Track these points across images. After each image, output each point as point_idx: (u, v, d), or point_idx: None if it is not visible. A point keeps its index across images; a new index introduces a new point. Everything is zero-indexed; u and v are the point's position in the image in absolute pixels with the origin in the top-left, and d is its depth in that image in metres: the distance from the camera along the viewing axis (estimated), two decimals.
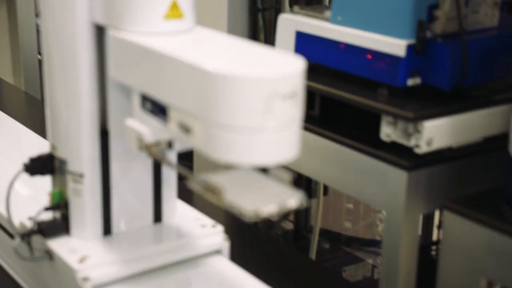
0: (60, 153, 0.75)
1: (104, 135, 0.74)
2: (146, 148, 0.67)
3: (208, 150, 0.60)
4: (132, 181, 0.77)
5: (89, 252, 0.74)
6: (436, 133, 1.08)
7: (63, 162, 0.75)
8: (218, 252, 0.79)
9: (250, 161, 0.59)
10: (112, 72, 0.70)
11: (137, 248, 0.75)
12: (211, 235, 0.79)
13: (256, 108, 0.57)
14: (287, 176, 0.63)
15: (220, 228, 0.80)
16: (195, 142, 0.61)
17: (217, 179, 0.62)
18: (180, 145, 0.68)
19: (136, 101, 0.68)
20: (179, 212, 0.82)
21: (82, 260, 0.73)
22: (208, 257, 0.79)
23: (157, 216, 0.80)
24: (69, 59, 0.72)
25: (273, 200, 0.60)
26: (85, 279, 0.71)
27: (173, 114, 0.64)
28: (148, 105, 0.67)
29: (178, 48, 0.64)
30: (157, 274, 0.75)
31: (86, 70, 0.72)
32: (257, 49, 0.63)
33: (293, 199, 0.61)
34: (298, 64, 0.60)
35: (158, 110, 0.66)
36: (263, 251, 1.01)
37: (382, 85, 1.14)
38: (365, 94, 1.15)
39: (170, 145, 0.68)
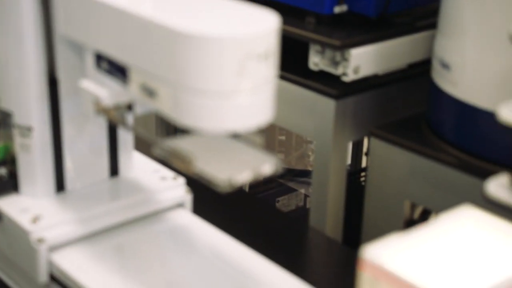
0: (4, 104, 0.71)
1: (52, 84, 0.69)
2: (104, 111, 0.62)
3: (176, 115, 0.56)
4: (85, 133, 0.73)
5: (42, 211, 0.70)
6: (363, 60, 1.08)
7: (7, 115, 0.70)
8: (180, 205, 0.77)
9: (222, 127, 0.56)
10: (61, 27, 0.65)
11: (94, 205, 0.72)
12: (172, 188, 0.76)
13: (228, 71, 0.53)
14: (259, 139, 0.60)
15: (181, 180, 0.77)
16: (160, 106, 0.57)
17: (185, 145, 0.58)
18: (141, 109, 0.64)
19: (90, 60, 0.64)
20: (136, 164, 0.78)
21: (35, 220, 0.69)
22: (170, 211, 0.76)
23: (114, 170, 0.76)
24: (8, 8, 0.66)
25: (246, 167, 0.57)
26: (40, 240, 0.68)
27: (134, 76, 0.59)
28: (105, 64, 0.63)
29: (137, 2, 0.59)
30: (117, 232, 0.73)
31: (29, 24, 0.66)
32: (225, 3, 0.58)
33: (268, 165, 0.57)
34: (272, 21, 0.55)
35: (116, 70, 0.61)
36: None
37: (310, 13, 1.13)
38: (292, 23, 1.13)
39: (130, 108, 0.64)
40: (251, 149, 0.60)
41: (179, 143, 0.59)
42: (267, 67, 0.55)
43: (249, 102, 0.55)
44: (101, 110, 0.63)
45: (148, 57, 0.57)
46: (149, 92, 0.58)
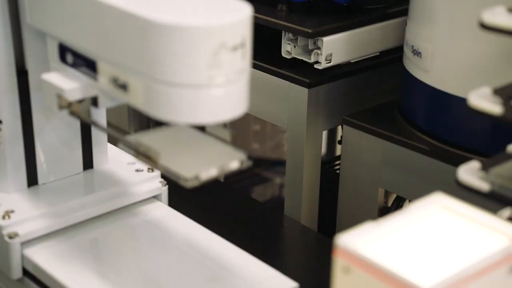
0: None
1: (22, 75, 0.68)
2: (68, 106, 0.61)
3: (149, 108, 0.55)
4: (57, 125, 0.71)
5: (14, 206, 0.70)
6: (335, 48, 1.08)
7: None
8: (156, 197, 0.76)
9: (197, 120, 0.55)
10: (28, 17, 0.64)
11: (67, 199, 0.71)
12: (148, 180, 0.75)
13: (202, 62, 0.53)
14: (227, 133, 0.59)
15: (157, 172, 0.76)
16: (132, 99, 0.56)
17: (151, 139, 0.57)
18: (107, 103, 0.63)
19: (55, 52, 0.62)
20: (111, 156, 0.77)
21: (6, 215, 0.68)
22: (146, 203, 0.75)
23: (87, 162, 0.75)
24: None
25: (213, 163, 0.56)
26: (12, 235, 0.67)
27: (104, 68, 0.58)
28: (69, 57, 0.61)
29: None
30: (92, 225, 0.72)
31: None
32: None
33: (235, 160, 0.57)
34: (245, 11, 0.55)
35: (83, 63, 0.60)
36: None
37: (281, 1, 1.13)
38: (264, 11, 1.13)
39: (95, 102, 0.62)
40: (219, 144, 0.59)
41: (145, 139, 0.58)
42: (241, 58, 0.55)
43: (224, 94, 0.54)
44: (65, 105, 0.61)
45: (118, 48, 0.56)
46: (120, 86, 0.57)
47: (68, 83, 0.61)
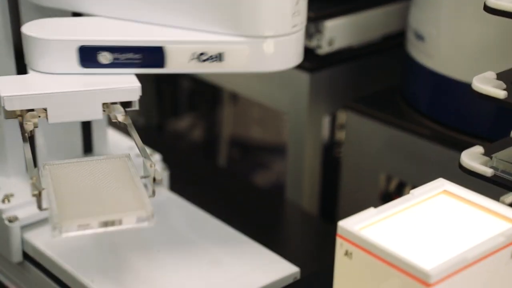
0: None
1: (21, 57, 0.67)
2: (18, 116, 0.56)
3: (250, 67, 0.59)
4: None
5: (13, 190, 0.70)
6: (337, 32, 1.07)
7: None
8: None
9: (291, 64, 0.62)
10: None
11: None
12: None
13: (290, 11, 0.58)
14: (157, 173, 0.54)
15: (157, 157, 0.76)
16: (229, 66, 0.59)
17: (68, 170, 0.53)
18: (58, 117, 0.58)
19: (71, 58, 0.58)
20: (111, 141, 0.77)
21: (6, 198, 0.69)
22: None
23: (87, 147, 0.75)
24: None
25: (100, 215, 0.51)
26: (12, 219, 0.67)
27: (179, 49, 0.57)
28: (105, 57, 0.58)
29: None
30: None
31: None
32: None
33: (131, 217, 0.51)
34: None
35: (134, 55, 0.58)
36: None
37: None
38: None
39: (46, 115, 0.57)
40: (134, 191, 0.53)
41: (60, 168, 0.53)
42: (306, 7, 0.61)
43: (299, 40, 0.61)
44: (13, 113, 0.56)
45: (210, 19, 0.57)
46: (208, 58, 0.58)
47: (13, 90, 0.56)
